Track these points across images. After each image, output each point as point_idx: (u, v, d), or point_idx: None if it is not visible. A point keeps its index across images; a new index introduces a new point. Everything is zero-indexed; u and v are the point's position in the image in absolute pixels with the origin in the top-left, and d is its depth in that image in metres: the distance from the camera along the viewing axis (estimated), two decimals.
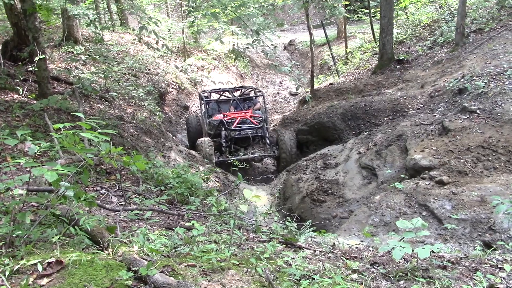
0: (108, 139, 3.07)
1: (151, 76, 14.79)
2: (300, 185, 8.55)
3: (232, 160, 10.25)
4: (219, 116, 12.02)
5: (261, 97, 13.23)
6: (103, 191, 5.53)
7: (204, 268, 2.83)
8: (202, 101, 12.82)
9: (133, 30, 12.22)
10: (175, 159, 8.92)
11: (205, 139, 10.82)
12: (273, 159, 11.62)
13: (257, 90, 13.82)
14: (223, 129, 11.22)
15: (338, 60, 18.97)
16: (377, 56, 15.00)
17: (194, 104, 16.47)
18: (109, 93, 10.23)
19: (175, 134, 13.55)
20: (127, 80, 13.22)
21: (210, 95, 13.84)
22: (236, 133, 11.20)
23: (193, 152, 10.25)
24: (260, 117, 11.82)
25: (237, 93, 14.13)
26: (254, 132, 11.25)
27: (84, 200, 3.65)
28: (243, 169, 8.54)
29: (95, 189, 5.57)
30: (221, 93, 13.99)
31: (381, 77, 13.25)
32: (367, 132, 9.52)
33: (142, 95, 12.30)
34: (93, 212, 4.47)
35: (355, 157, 8.60)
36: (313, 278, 2.86)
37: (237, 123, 11.37)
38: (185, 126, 13.46)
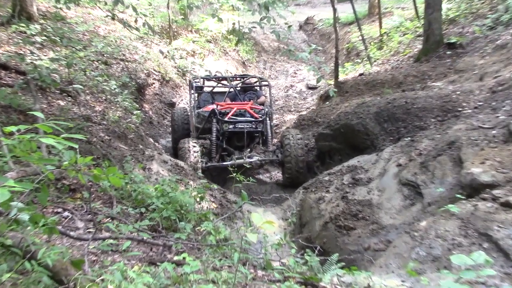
0: (76, 146, 3.07)
1: (126, 63, 14.86)
2: (322, 207, 8.53)
3: (226, 165, 10.43)
4: (211, 107, 12.19)
5: (266, 87, 13.30)
6: (66, 213, 5.52)
7: None
8: (193, 90, 12.95)
9: (105, 4, 12.24)
10: (158, 172, 8.92)
11: (187, 140, 11.09)
12: (279, 168, 11.73)
13: (261, 78, 13.86)
14: (214, 121, 11.38)
15: (370, 43, 19.02)
16: (421, 38, 15.01)
17: (182, 100, 16.52)
18: (73, 86, 10.27)
19: (158, 139, 13.60)
20: (96, 69, 13.27)
21: (203, 83, 14.02)
22: (230, 126, 11.23)
23: (180, 163, 10.26)
24: (262, 109, 11.99)
25: (236, 83, 14.11)
26: (253, 126, 11.30)
27: (43, 225, 3.64)
28: (246, 184, 8.50)
29: (55, 211, 5.57)
30: (217, 81, 14.13)
31: (427, 66, 13.25)
32: (409, 138, 9.50)
33: (115, 89, 12.34)
34: (53, 242, 4.46)
35: (394, 170, 8.57)
36: None
37: (231, 114, 11.46)
38: (170, 125, 13.75)
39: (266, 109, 11.98)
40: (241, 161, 10.70)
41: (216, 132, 11.22)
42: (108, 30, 16.34)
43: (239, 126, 11.17)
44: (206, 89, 14.02)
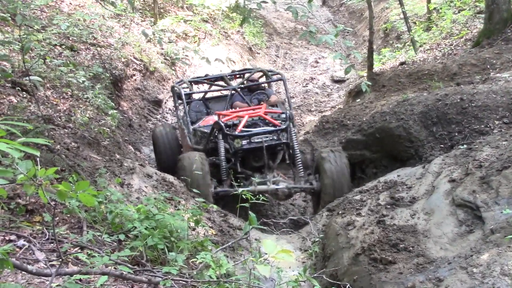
0: (38, 154, 3.10)
1: (99, 49, 14.91)
2: (352, 235, 8.52)
3: (241, 192, 10.09)
4: (212, 119, 11.86)
5: (280, 81, 13.23)
6: (21, 242, 5.54)
7: None
8: (180, 101, 12.85)
9: None
10: (140, 188, 8.95)
11: (193, 154, 10.54)
12: (307, 193, 11.44)
13: (270, 71, 13.84)
14: (220, 138, 10.81)
15: (414, 23, 19.05)
16: (483, 16, 15.01)
17: (171, 96, 16.58)
18: (29, 78, 10.29)
19: (140, 147, 13.65)
20: (59, 55, 13.31)
21: (191, 87, 13.63)
22: (244, 142, 10.72)
23: (169, 177, 10.28)
24: (282, 113, 11.48)
25: (238, 82, 13.99)
26: (275, 138, 10.76)
27: None
28: (254, 204, 8.46)
29: (8, 238, 5.59)
30: (210, 83, 13.94)
31: (490, 51, 13.25)
32: (466, 146, 9.51)
33: (84, 82, 12.37)
34: (5, 278, 4.49)
35: (445, 187, 8.56)
36: None
37: (243, 126, 10.93)
38: (152, 141, 13.36)
39: (287, 112, 11.45)
40: (263, 187, 10.26)
41: (224, 152, 10.67)
42: (74, 5, 16.42)
43: (256, 140, 10.62)
44: (195, 95, 13.87)
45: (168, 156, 12.11)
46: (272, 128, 10.79)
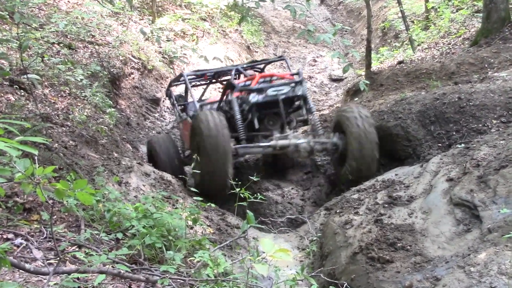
0: (36, 152, 3.09)
1: (97, 47, 14.91)
2: (349, 234, 8.53)
3: (264, 149, 9.92)
4: (217, 97, 11.86)
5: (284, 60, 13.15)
6: (19, 240, 5.54)
7: None
8: (176, 102, 12.76)
9: None
10: (138, 187, 8.95)
11: (207, 111, 10.05)
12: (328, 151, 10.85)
13: (280, 57, 13.77)
14: (233, 98, 10.51)
15: (413, 22, 19.06)
16: (481, 15, 15.03)
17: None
18: (27, 76, 10.29)
19: (137, 145, 13.64)
20: (57, 54, 13.31)
21: (187, 87, 13.24)
22: (260, 96, 10.39)
23: (167, 176, 10.27)
24: (294, 73, 11.20)
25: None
26: (291, 90, 10.48)
27: None
28: (252, 203, 8.40)
29: (5, 237, 5.59)
30: (212, 77, 13.71)
31: (487, 50, 13.27)
32: (463, 145, 9.52)
33: (81, 80, 12.37)
34: (2, 276, 4.48)
35: (443, 186, 8.57)
36: None
37: (257, 81, 10.71)
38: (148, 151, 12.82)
39: (299, 69, 11.37)
40: (285, 142, 10.00)
41: (239, 110, 10.38)
42: (72, 3, 16.41)
43: (271, 94, 10.33)
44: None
45: (168, 162, 11.65)
46: (287, 80, 10.66)
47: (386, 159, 10.72)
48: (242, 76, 12.62)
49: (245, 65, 13.68)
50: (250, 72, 13.13)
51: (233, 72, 12.79)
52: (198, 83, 13.95)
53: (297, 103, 10.74)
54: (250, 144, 10.08)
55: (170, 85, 13.26)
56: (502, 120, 9.76)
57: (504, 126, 9.54)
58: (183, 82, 13.25)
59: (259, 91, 10.27)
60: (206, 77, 13.40)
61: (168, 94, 13.17)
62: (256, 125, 10.30)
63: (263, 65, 13.76)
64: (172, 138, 12.81)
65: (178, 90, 15.54)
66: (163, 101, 16.24)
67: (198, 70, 13.68)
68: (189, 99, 12.76)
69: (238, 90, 10.45)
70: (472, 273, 6.20)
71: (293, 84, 10.51)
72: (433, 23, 18.35)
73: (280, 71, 15.28)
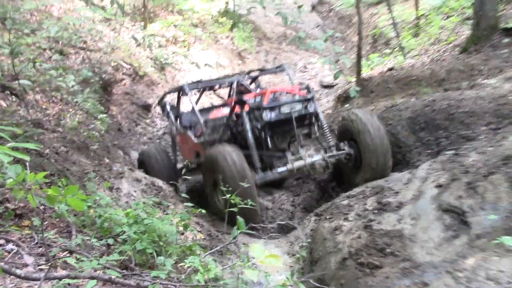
0: (28, 158, 3.12)
1: (88, 53, 14.93)
2: (339, 239, 8.56)
3: (284, 174, 9.71)
4: (219, 112, 11.66)
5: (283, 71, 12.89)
6: (10, 246, 5.54)
7: None
8: (171, 113, 12.49)
9: None
10: (129, 193, 8.96)
11: (223, 147, 9.66)
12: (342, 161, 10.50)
13: (280, 66, 13.09)
14: (245, 115, 10.06)
15: (403, 29, 19.11)
16: (470, 22, 15.09)
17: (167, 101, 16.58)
18: (19, 81, 10.30)
19: (129, 152, 13.64)
20: (49, 59, 13.31)
21: (180, 97, 13.10)
22: (272, 114, 10.00)
23: (158, 182, 10.28)
24: (303, 88, 10.83)
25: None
26: (303, 109, 10.21)
27: None
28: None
29: None
30: (207, 88, 13.29)
31: (477, 57, 13.33)
32: (453, 151, 9.56)
33: (73, 86, 12.37)
34: None
35: (432, 192, 8.61)
36: None
37: (268, 97, 10.29)
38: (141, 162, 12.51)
39: (308, 84, 11.06)
40: (300, 163, 9.80)
41: (251, 131, 9.93)
42: (64, 9, 16.40)
43: (284, 112, 9.99)
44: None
45: (164, 172, 11.50)
46: (300, 97, 10.29)
47: None
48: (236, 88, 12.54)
49: (245, 76, 13.42)
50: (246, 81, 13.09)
51: (234, 85, 12.81)
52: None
53: (307, 122, 10.47)
54: (265, 171, 9.79)
55: (164, 96, 12.99)
56: (491, 127, 9.80)
57: (493, 133, 9.58)
58: (178, 93, 12.99)
59: (272, 108, 9.98)
60: (203, 87, 13.00)
61: (162, 105, 12.91)
62: (269, 145, 10.09)
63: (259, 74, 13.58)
64: (165, 149, 12.65)
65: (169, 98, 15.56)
66: (155, 107, 16.22)
67: (198, 82, 13.25)
68: (181, 110, 12.68)
69: (250, 110, 10.07)
70: (460, 278, 6.24)
71: (307, 101, 10.30)
72: (423, 30, 18.40)
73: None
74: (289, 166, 9.67)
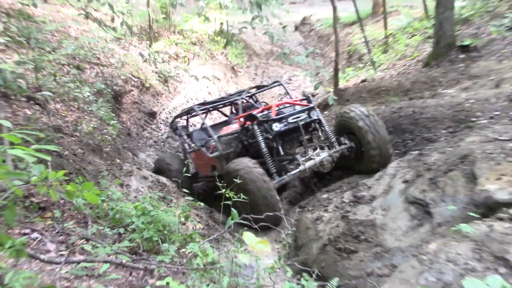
0: (49, 159, 3.12)
1: (101, 68, 14.87)
2: (320, 228, 8.57)
3: (298, 174, 9.50)
4: (229, 128, 11.47)
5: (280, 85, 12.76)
6: (35, 234, 5.54)
7: None
8: (183, 133, 12.37)
9: (78, 0, 12.32)
10: (137, 188, 8.95)
11: (242, 161, 9.45)
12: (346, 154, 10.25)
13: (276, 81, 13.18)
14: (256, 128, 9.99)
15: (373, 46, 19.14)
16: (431, 40, 15.13)
17: (164, 109, 16.54)
18: (41, 93, 10.28)
19: (137, 153, 13.61)
20: (67, 74, 13.27)
21: (188, 118, 13.08)
22: (281, 124, 9.93)
23: (163, 179, 10.27)
24: (303, 99, 10.88)
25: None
26: (307, 117, 10.12)
27: (9, 248, 3.67)
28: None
29: (23, 232, 5.58)
30: (214, 107, 13.19)
31: (437, 71, 13.35)
32: (417, 151, 9.56)
33: (88, 96, 12.35)
34: (21, 266, 4.49)
35: (400, 187, 8.63)
36: None
37: (275, 113, 10.24)
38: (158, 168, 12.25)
39: (307, 95, 10.91)
40: (311, 163, 9.63)
41: (264, 141, 9.84)
42: (80, 30, 16.35)
43: (292, 121, 9.92)
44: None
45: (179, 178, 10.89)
46: (304, 107, 10.21)
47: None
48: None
49: (247, 94, 13.27)
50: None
51: (239, 102, 12.64)
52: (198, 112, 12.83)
53: (312, 129, 10.35)
54: (280, 175, 9.60)
55: (175, 119, 12.89)
56: (450, 131, 9.82)
57: (451, 136, 9.60)
58: (186, 114, 12.97)
59: (280, 120, 9.92)
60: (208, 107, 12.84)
61: (174, 128, 12.80)
62: (281, 152, 9.94)
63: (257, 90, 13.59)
64: (179, 156, 12.51)
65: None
66: (159, 114, 16.19)
67: (205, 103, 13.18)
68: (190, 129, 12.63)
69: (260, 123, 9.96)
70: (424, 261, 6.25)
71: (310, 109, 10.24)
72: (391, 47, 18.42)
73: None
74: (302, 167, 9.55)
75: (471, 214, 6.98)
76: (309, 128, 10.17)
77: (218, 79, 19.59)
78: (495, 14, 15.07)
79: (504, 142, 8.22)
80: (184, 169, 10.40)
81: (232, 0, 11.96)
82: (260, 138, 9.77)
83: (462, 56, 13.63)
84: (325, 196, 9.66)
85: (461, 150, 8.41)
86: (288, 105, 10.78)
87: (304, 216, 9.17)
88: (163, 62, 18.16)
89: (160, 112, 16.35)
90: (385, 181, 9.08)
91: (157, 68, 17.72)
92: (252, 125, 10.03)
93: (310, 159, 9.60)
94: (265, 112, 10.30)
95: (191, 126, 13.43)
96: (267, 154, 9.66)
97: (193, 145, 12.16)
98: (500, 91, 10.44)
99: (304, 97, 10.70)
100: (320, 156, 9.60)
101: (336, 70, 15.48)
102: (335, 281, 5.21)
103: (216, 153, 10.87)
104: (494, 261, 5.88)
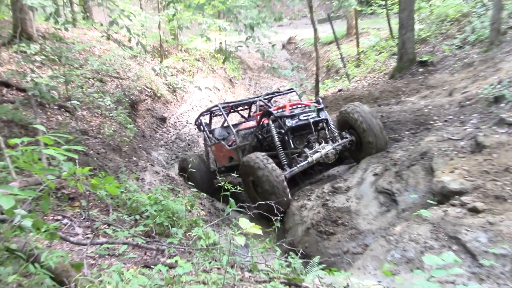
0: (76, 157, 3.11)
1: (120, 81, 14.85)
2: (304, 214, 8.57)
3: (307, 165, 9.22)
4: (247, 124, 11.23)
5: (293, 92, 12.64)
6: (65, 220, 5.54)
7: None
8: (206, 129, 11.92)
9: (101, 25, 12.28)
10: (150, 182, 8.92)
11: (255, 155, 9.19)
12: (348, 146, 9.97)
13: (291, 89, 12.80)
14: (271, 123, 9.73)
15: (348, 61, 19.13)
16: (396, 57, 15.16)
17: (173, 115, 16.50)
18: (71, 102, 10.28)
19: (150, 152, 13.58)
20: (92, 86, 13.28)
21: (211, 116, 12.59)
22: (294, 121, 9.69)
23: (172, 174, 10.25)
24: (313, 101, 10.55)
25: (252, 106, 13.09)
26: (317, 115, 9.83)
27: (44, 231, 3.67)
28: (234, 193, 8.38)
29: (55, 218, 5.58)
30: (235, 107, 12.74)
31: (401, 82, 13.37)
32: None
33: (110, 104, 12.35)
34: (54, 246, 4.49)
35: (371, 179, 8.64)
36: None
37: (288, 110, 10.01)
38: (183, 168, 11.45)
39: (318, 98, 10.73)
40: (318, 155, 9.38)
41: (278, 135, 9.61)
42: (103, 49, 16.33)
43: (303, 119, 9.69)
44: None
45: (200, 177, 10.97)
46: (314, 107, 9.83)
47: None
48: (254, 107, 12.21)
49: (264, 97, 12.80)
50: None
51: (258, 103, 12.32)
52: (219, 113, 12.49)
53: (320, 126, 10.06)
54: (290, 166, 9.35)
55: (199, 117, 12.36)
56: (412, 132, 9.83)
57: (413, 136, 9.61)
58: (208, 113, 12.47)
59: (293, 117, 9.71)
60: (228, 107, 12.34)
61: (199, 124, 12.31)
62: (292, 145, 9.64)
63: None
64: (202, 157, 11.99)
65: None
66: (169, 119, 16.13)
67: (228, 102, 12.80)
68: (213, 126, 12.36)
69: (276, 117, 9.71)
70: (391, 240, 6.26)
71: (320, 109, 9.96)
72: (363, 62, 18.42)
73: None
74: (310, 159, 9.30)
75: (430, 201, 7.00)
76: (317, 126, 9.93)
77: (218, 89, 19.55)
78: (447, 35, 15.13)
79: (456, 141, 8.24)
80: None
81: (229, 23, 11.93)
82: (274, 132, 9.55)
83: (421, 69, 13.66)
84: (308, 187, 9.66)
85: (421, 148, 8.43)
86: (300, 105, 10.56)
87: (291, 204, 9.16)
88: (172, 75, 18.12)
89: (170, 118, 16.31)
90: (359, 174, 9.08)
91: (167, 80, 17.68)
92: (269, 121, 9.80)
93: (317, 152, 9.36)
94: (280, 110, 10.07)
95: (213, 124, 13.16)
96: (279, 147, 9.45)
97: (214, 138, 11.93)
98: (452, 98, 10.46)
99: (315, 100, 10.50)
100: (325, 149, 9.36)
101: (317, 82, 15.49)
102: (316, 258, 5.20)
103: (233, 146, 10.67)
104: (448, 240, 5.89)
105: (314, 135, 9.91)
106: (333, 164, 10.26)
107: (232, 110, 12.63)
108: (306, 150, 9.50)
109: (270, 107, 11.39)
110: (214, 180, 11.21)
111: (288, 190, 8.97)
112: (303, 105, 10.37)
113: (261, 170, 8.74)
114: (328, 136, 9.98)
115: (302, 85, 18.80)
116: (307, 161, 9.27)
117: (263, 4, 15.09)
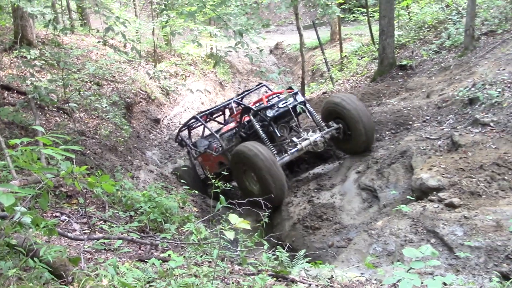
0: (73, 156, 3.09)
1: (116, 84, 14.79)
2: (290, 210, 8.58)
3: (297, 153, 8.96)
4: (227, 127, 10.92)
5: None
6: (63, 217, 5.52)
7: None
8: (188, 143, 11.57)
9: (97, 31, 12.21)
10: (145, 180, 8.91)
11: (247, 144, 8.84)
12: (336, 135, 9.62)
13: (260, 84, 12.70)
14: (253, 118, 9.46)
15: (332, 65, 19.14)
16: (377, 61, 15.20)
17: (166, 116, 16.44)
18: (68, 104, 10.21)
19: (144, 151, 13.53)
20: (89, 89, 13.22)
21: (189, 130, 12.13)
22: (273, 110, 9.39)
23: (165, 172, 10.23)
24: (287, 89, 10.11)
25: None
26: (294, 100, 9.52)
27: (43, 227, 3.65)
28: (224, 190, 8.29)
29: (54, 215, 5.56)
30: (210, 114, 12.20)
31: (382, 85, 13.42)
32: None
33: (106, 107, 12.28)
34: (53, 242, 4.46)
35: (354, 177, 8.67)
36: None
37: (266, 101, 9.81)
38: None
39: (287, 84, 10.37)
40: (307, 142, 9.05)
41: (262, 128, 9.33)
42: (99, 54, 16.26)
43: (282, 106, 9.41)
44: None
45: (195, 181, 10.88)
46: (289, 93, 9.54)
47: (315, 159, 10.63)
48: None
49: (236, 98, 12.48)
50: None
51: (232, 105, 11.89)
52: (199, 124, 12.01)
53: (299, 110, 9.32)
54: (283, 154, 9.09)
55: (179, 133, 11.93)
56: (392, 132, 9.87)
57: (393, 136, 9.66)
58: (187, 128, 12.05)
59: (272, 107, 9.41)
60: (205, 117, 11.84)
61: (180, 139, 11.86)
62: (278, 134, 9.42)
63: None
64: (195, 168, 11.64)
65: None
66: (162, 120, 16.08)
67: (202, 112, 12.47)
68: (193, 139, 12.09)
69: (255, 112, 9.45)
70: (373, 235, 6.28)
71: (295, 94, 9.73)
72: (346, 66, 18.45)
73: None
74: (299, 146, 9.03)
75: (409, 197, 7.04)
76: (296, 112, 9.48)
77: (209, 92, 19.52)
78: (425, 41, 15.19)
79: (434, 140, 8.29)
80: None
81: (219, 29, 11.95)
82: (257, 126, 9.30)
83: (400, 73, 13.72)
84: (294, 184, 9.67)
85: (401, 147, 8.47)
86: (275, 95, 10.37)
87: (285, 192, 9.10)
88: (165, 79, 18.05)
89: (163, 119, 16.26)
90: (342, 172, 9.11)
91: (160, 83, 17.63)
92: (250, 116, 9.55)
93: (305, 139, 9.09)
94: (258, 104, 9.90)
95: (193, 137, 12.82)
96: (266, 139, 9.20)
97: (198, 150, 11.41)
98: (430, 100, 10.51)
99: (288, 87, 10.17)
100: (313, 137, 9.07)
101: (302, 85, 15.50)
102: (302, 252, 5.21)
103: (219, 151, 10.35)
104: (426, 233, 5.92)
105: (295, 121, 9.78)
106: (318, 163, 10.30)
107: (207, 120, 12.12)
108: (294, 139, 9.23)
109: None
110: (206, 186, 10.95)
111: (283, 175, 8.74)
112: (278, 94, 10.12)
113: (254, 155, 8.42)
114: (310, 119, 9.75)
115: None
116: (296, 148, 9.04)
117: (251, 11, 15.07)
